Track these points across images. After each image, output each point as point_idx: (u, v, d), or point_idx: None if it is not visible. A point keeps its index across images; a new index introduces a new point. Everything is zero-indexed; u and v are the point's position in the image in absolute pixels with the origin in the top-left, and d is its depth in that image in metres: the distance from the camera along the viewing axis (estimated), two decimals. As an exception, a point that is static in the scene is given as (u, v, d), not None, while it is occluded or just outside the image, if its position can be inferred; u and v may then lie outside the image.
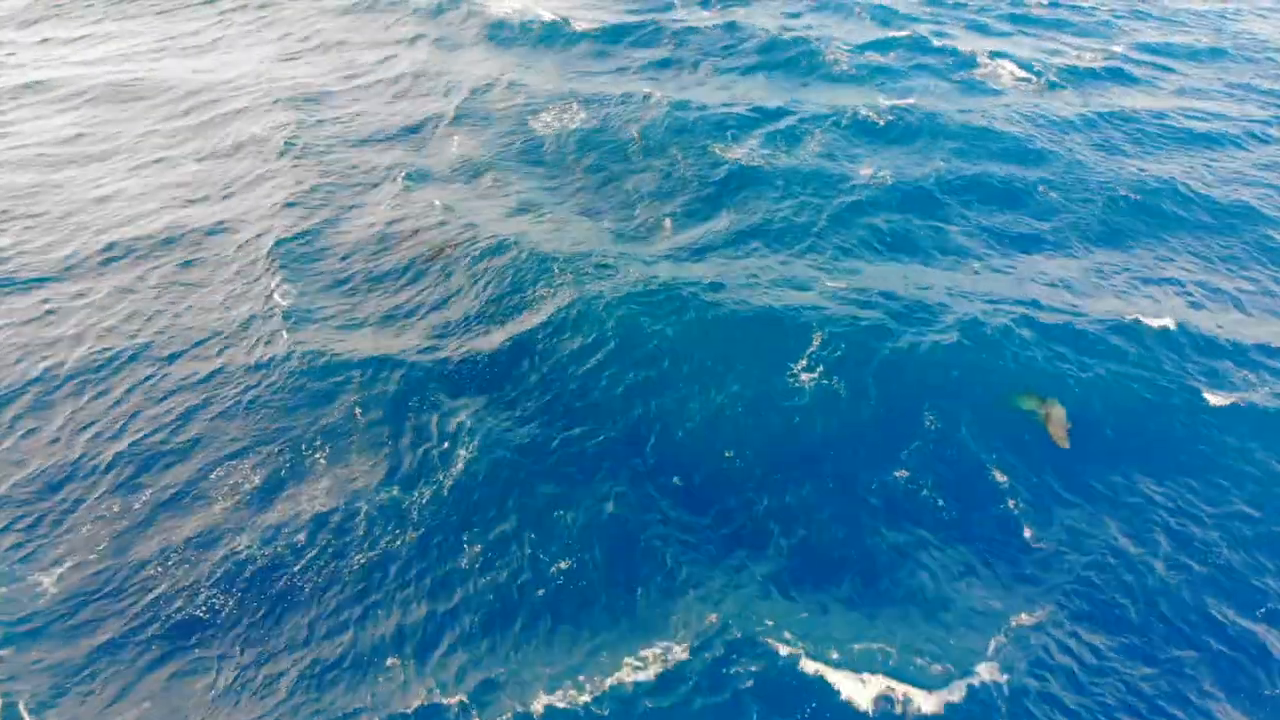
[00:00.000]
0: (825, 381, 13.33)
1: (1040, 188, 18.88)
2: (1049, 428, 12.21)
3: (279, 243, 17.22)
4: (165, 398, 13.65)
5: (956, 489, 11.91)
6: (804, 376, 13.40)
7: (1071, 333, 14.36)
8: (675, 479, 12.02)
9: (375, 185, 19.55)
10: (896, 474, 12.05)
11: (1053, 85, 24.21)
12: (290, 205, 18.50)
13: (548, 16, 28.93)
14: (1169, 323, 14.69)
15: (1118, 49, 26.91)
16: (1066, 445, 12.01)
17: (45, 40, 30.72)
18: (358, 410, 13.14)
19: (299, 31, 30.06)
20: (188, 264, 16.97)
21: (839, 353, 13.74)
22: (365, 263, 16.86)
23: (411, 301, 15.73)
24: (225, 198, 19.35)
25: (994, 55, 25.59)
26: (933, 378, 13.39)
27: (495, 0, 31.15)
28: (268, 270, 16.46)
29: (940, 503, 11.69)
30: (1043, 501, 11.81)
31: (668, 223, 17.77)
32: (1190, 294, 15.78)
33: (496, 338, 14.47)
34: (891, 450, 12.42)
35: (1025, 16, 30.01)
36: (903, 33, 27.37)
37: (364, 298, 15.93)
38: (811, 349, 13.85)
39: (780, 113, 22.03)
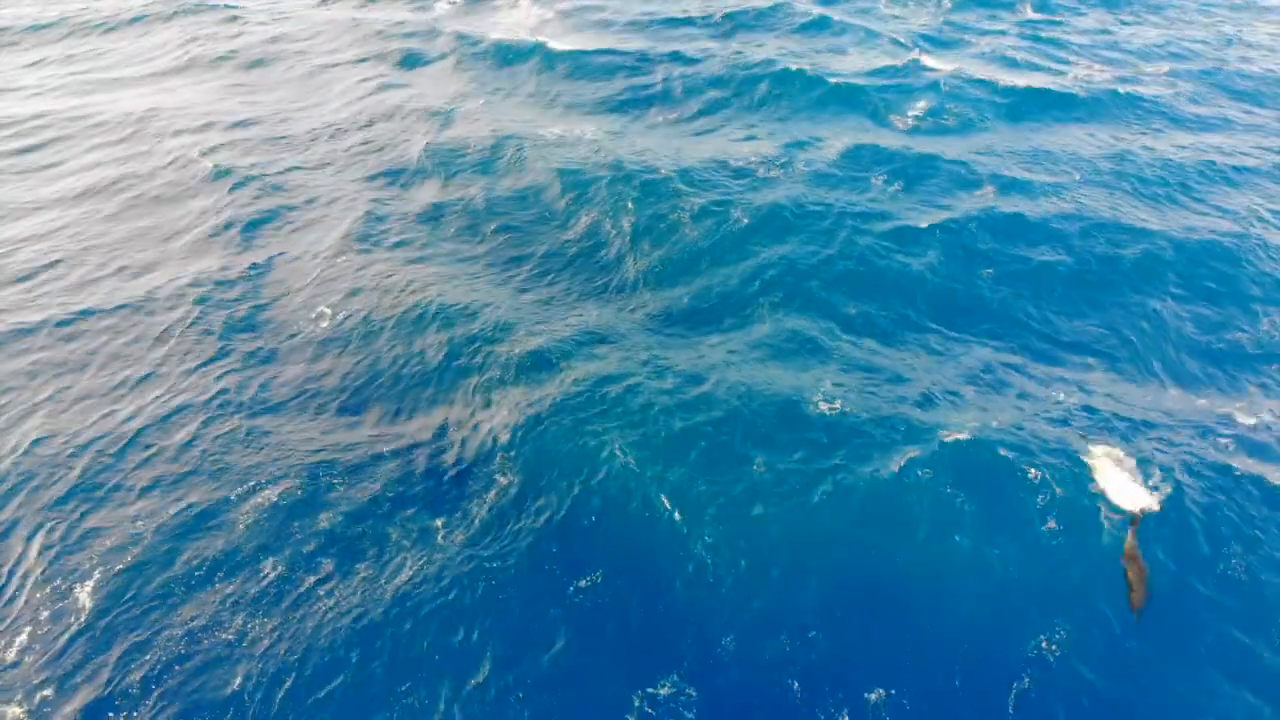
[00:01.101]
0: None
1: (1073, 239, 16.70)
2: (1129, 576, 9.20)
3: (226, 313, 15.30)
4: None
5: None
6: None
7: (1142, 432, 12.05)
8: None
9: (327, 236, 17.52)
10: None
11: (1075, 111, 22.54)
12: (230, 271, 16.46)
13: (532, 40, 27.28)
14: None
15: (1137, 73, 25.27)
16: (1139, 608, 9.03)
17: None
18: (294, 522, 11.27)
19: (265, 55, 28.19)
20: (117, 339, 14.92)
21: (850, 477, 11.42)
22: (312, 336, 14.80)
23: (364, 384, 13.70)
24: (161, 261, 17.18)
25: (1013, 82, 23.82)
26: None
27: (488, 29, 29.53)
28: (208, 348, 14.56)
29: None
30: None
31: (650, 292, 15.56)
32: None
33: (472, 442, 12.38)
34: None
35: (1037, 37, 28.42)
36: (914, 58, 25.73)
37: (314, 374, 13.93)
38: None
39: (785, 154, 20.11)
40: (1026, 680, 9.09)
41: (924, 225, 16.96)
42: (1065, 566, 10.07)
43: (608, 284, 15.93)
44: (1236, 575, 9.96)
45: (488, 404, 12.94)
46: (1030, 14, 30.67)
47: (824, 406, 12.29)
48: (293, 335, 14.80)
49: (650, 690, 9.09)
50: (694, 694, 9.06)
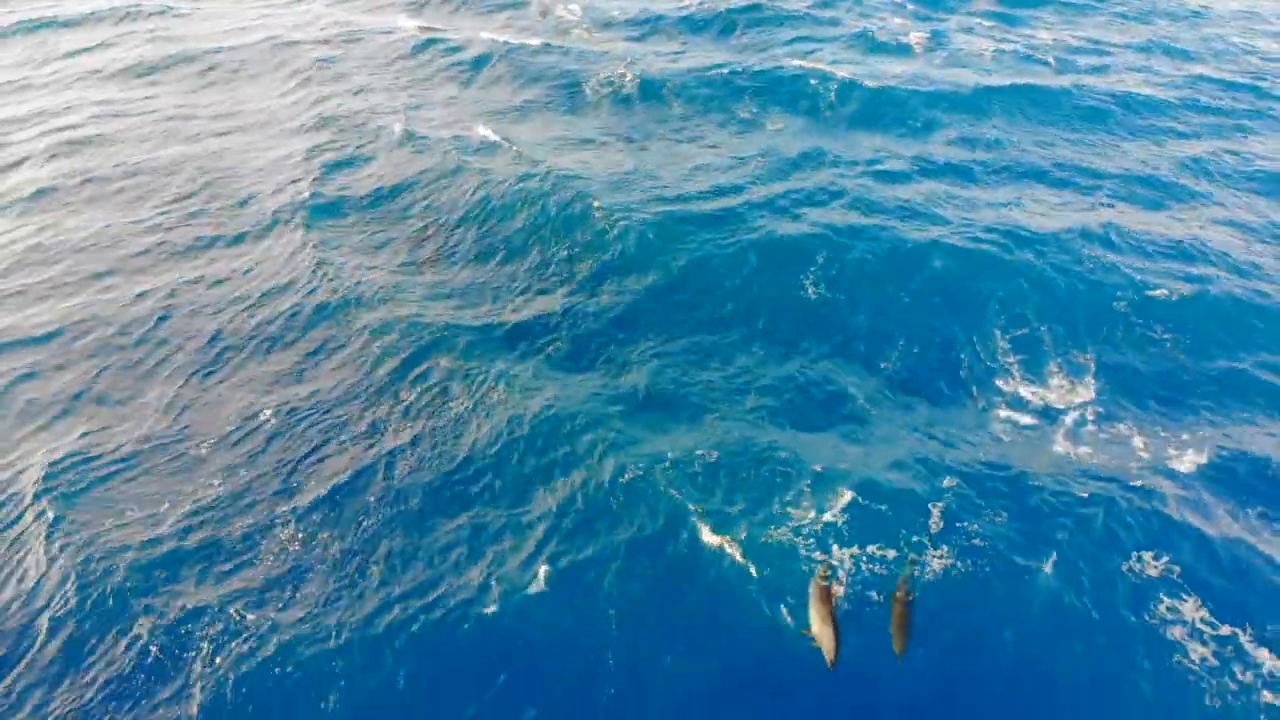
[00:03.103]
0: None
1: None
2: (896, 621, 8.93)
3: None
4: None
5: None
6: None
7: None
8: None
9: (282, 243, 16.79)
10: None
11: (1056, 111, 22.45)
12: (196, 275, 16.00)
13: (519, 42, 26.87)
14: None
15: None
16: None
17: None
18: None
19: (234, 55, 27.59)
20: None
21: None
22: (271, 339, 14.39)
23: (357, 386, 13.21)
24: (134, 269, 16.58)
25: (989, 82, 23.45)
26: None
27: (459, 32, 29.13)
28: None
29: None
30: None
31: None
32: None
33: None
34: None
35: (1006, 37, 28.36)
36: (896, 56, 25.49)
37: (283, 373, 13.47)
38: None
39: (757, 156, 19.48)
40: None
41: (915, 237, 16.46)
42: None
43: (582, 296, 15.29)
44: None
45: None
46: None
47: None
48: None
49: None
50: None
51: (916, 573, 9.62)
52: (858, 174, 18.85)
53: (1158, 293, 14.83)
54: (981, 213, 17.23)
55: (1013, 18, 29.70)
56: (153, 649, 9.34)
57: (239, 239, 17.23)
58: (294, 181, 19.10)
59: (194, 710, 8.76)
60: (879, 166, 19.16)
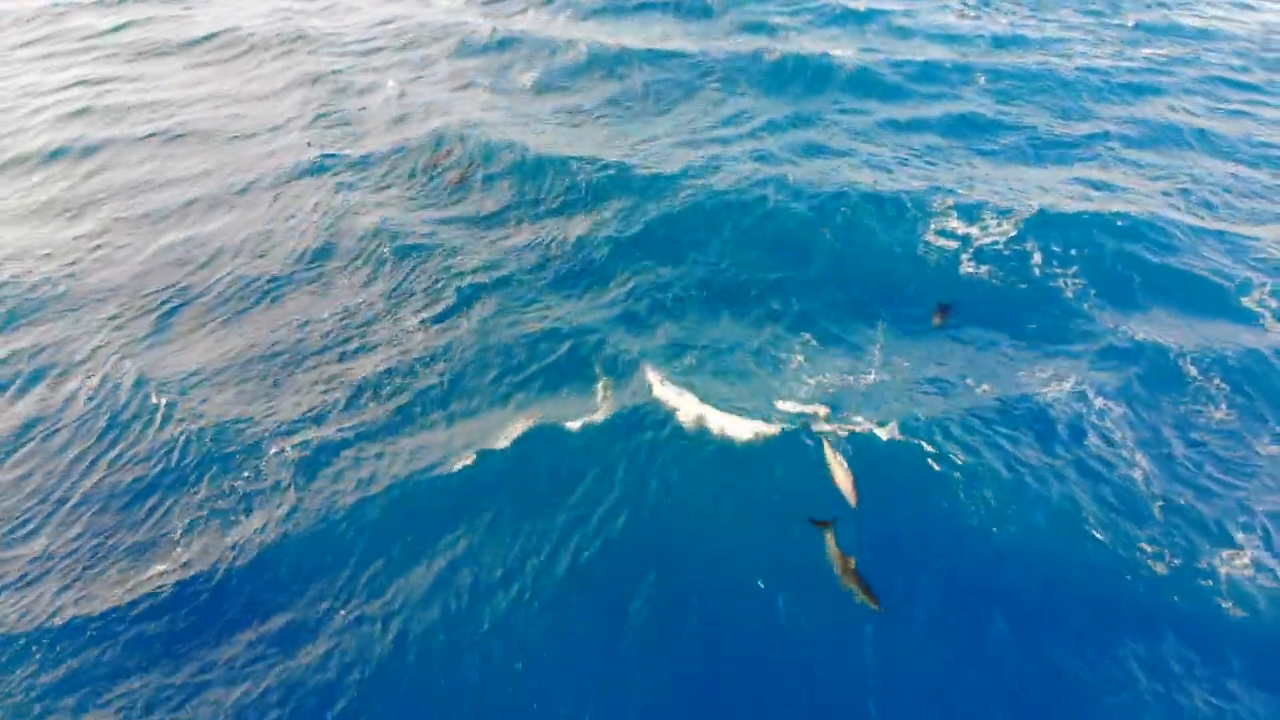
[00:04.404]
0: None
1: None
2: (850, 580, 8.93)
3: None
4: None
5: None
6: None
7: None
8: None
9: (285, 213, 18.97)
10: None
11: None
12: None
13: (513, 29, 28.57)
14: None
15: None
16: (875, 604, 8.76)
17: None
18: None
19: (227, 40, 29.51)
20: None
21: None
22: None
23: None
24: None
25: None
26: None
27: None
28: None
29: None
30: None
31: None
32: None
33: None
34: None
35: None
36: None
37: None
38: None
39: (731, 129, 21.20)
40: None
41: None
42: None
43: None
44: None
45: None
46: None
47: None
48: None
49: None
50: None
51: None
52: (835, 134, 20.38)
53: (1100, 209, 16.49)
54: (942, 163, 18.79)
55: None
56: (288, 471, 11.50)
57: (287, 183, 19.31)
58: (321, 141, 21.07)
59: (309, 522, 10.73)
60: (858, 130, 20.58)
